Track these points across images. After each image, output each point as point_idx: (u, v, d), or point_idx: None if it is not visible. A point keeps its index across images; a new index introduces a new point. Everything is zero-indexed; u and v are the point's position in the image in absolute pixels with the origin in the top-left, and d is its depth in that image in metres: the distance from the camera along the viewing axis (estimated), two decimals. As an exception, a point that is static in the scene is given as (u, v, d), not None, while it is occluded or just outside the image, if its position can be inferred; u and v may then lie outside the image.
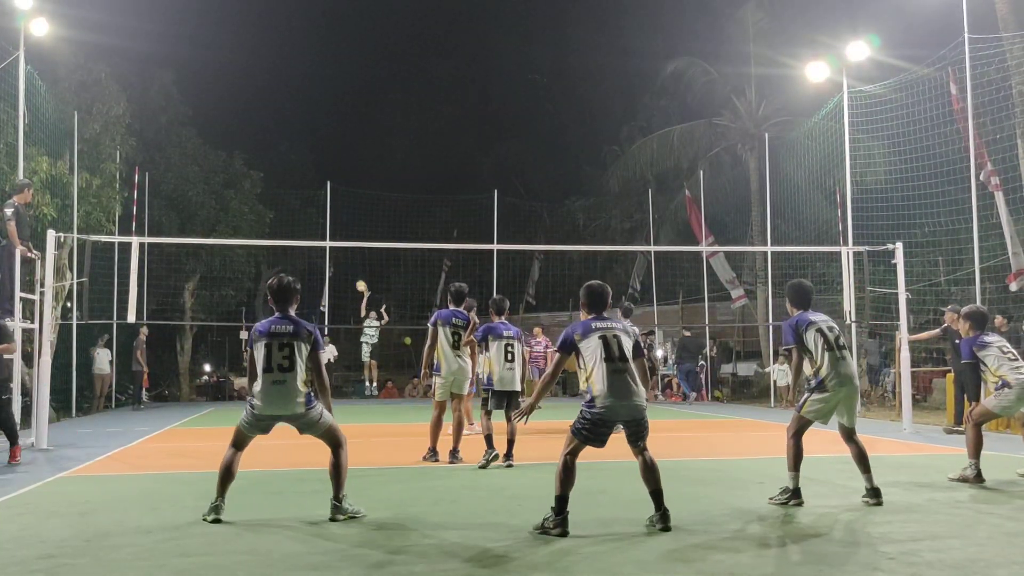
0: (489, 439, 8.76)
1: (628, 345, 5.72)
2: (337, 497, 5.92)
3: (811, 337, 6.58)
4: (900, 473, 7.98)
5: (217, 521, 5.73)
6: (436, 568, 4.64)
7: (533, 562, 4.73)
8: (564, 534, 5.34)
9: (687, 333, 22.35)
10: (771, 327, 23.07)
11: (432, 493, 7.15)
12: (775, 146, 21.58)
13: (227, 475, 5.89)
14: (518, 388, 8.94)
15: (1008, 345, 8.14)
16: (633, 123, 32.74)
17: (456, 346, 9.00)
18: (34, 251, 11.52)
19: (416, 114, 43.31)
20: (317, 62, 47.32)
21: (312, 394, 5.86)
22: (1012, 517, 5.96)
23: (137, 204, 20.51)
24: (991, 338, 8.07)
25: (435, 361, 9.09)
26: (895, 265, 13.21)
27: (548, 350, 18.65)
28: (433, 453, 9.08)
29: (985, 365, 7.94)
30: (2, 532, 5.58)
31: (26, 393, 12.29)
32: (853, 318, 14.25)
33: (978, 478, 7.46)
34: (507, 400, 8.88)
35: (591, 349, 5.64)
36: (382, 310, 20.61)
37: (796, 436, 6.62)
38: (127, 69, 22.11)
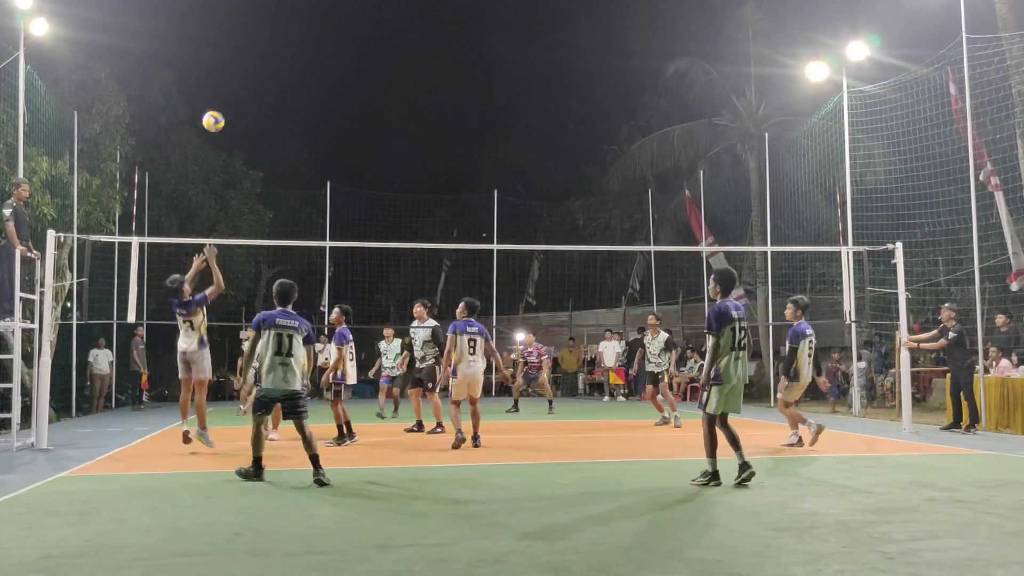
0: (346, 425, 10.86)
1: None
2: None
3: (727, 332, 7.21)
4: (900, 473, 7.98)
5: None
6: (436, 568, 4.65)
7: (532, 562, 4.74)
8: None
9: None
10: (771, 327, 23.09)
11: (431, 492, 7.15)
12: (775, 146, 21.56)
13: None
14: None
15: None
16: (633, 123, 32.71)
17: (472, 352, 10.24)
18: (34, 251, 11.50)
19: (416, 114, 43.36)
20: (317, 62, 47.38)
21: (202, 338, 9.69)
22: (1012, 517, 5.96)
23: (137, 204, 20.49)
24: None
25: (453, 365, 10.29)
26: (895, 265, 13.20)
27: (543, 358, 17.93)
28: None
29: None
30: (2, 532, 5.57)
31: (26, 393, 12.28)
32: (853, 318, 14.26)
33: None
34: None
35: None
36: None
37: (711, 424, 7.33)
38: (127, 69, 22.07)
